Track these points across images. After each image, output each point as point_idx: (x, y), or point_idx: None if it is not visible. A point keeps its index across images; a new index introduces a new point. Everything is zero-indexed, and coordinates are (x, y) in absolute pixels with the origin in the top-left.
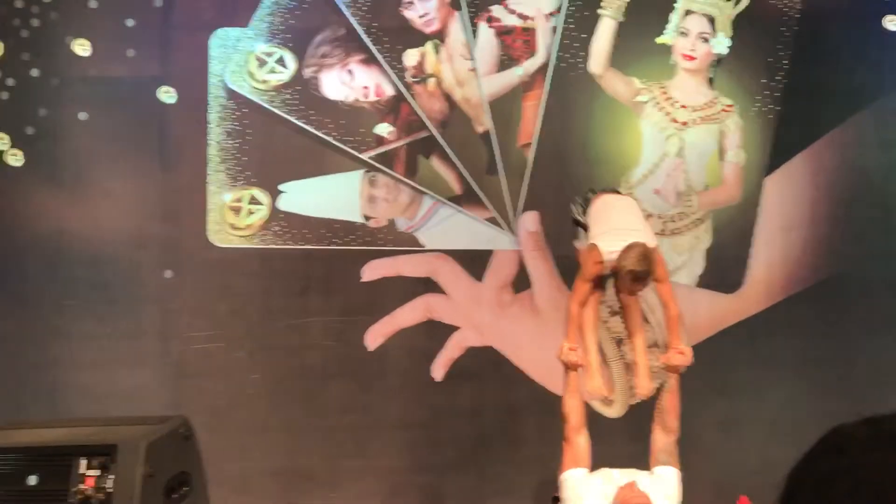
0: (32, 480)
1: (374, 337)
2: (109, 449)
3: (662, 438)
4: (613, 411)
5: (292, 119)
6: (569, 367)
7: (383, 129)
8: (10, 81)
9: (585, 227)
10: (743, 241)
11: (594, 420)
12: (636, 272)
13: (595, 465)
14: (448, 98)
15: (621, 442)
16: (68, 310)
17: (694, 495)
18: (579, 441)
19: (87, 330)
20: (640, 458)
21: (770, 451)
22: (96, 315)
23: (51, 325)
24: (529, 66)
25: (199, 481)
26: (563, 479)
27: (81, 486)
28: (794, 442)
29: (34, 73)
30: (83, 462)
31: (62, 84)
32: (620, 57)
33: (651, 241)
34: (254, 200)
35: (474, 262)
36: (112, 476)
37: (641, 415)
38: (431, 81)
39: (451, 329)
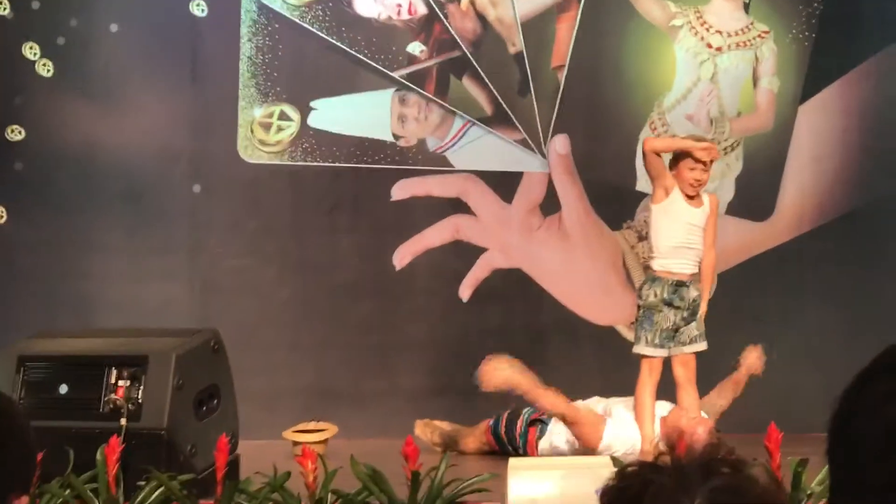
0: (63, 389)
1: (402, 256)
2: (140, 360)
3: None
4: None
5: (324, 35)
6: None
7: (415, 47)
8: None
9: None
10: (774, 169)
11: (621, 345)
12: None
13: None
14: (481, 18)
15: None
16: (97, 222)
17: (721, 420)
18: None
19: (116, 242)
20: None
21: (797, 377)
22: (126, 228)
23: (80, 236)
24: None
25: (228, 394)
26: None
27: (112, 396)
28: (821, 368)
29: None
30: (114, 372)
31: None
32: None
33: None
34: (284, 116)
35: (504, 183)
36: (142, 386)
37: None
38: (464, 1)
39: (480, 250)
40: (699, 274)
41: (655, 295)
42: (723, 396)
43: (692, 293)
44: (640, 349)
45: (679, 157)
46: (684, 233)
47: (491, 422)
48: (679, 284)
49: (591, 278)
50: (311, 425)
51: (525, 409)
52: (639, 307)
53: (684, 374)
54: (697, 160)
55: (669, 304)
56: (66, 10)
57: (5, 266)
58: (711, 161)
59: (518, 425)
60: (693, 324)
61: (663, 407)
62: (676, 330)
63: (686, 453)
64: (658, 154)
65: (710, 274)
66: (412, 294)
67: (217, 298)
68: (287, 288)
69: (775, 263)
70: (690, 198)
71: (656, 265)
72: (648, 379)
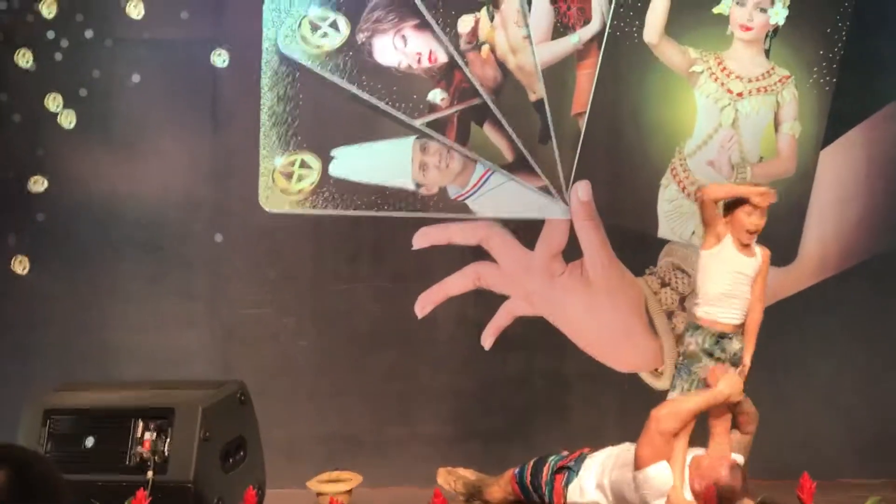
0: (90, 442)
1: (424, 304)
2: (166, 412)
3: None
4: (662, 383)
5: (344, 84)
6: None
7: (436, 95)
8: (64, 42)
9: None
10: (797, 214)
11: (643, 392)
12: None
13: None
14: (501, 65)
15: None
16: (119, 271)
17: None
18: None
19: (137, 292)
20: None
21: (820, 427)
22: (147, 277)
23: (102, 286)
24: (584, 34)
25: (254, 446)
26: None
27: (139, 449)
28: (844, 418)
29: (88, 34)
30: (140, 424)
31: (115, 46)
32: (676, 26)
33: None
34: (304, 165)
35: (525, 230)
36: (169, 439)
37: None
38: (485, 48)
39: (501, 298)
40: (743, 326)
41: (697, 344)
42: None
43: (735, 345)
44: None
45: (735, 203)
46: (733, 281)
47: (516, 470)
48: (722, 336)
49: (613, 325)
50: (335, 475)
51: (551, 457)
52: (679, 354)
53: (719, 427)
54: (755, 206)
55: (710, 354)
56: (89, 61)
57: (27, 316)
58: (767, 206)
59: (544, 473)
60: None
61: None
62: None
63: None
64: (714, 202)
65: (755, 328)
66: (434, 343)
67: (238, 347)
68: (307, 336)
69: (799, 308)
70: (744, 246)
71: (701, 312)
72: (681, 431)
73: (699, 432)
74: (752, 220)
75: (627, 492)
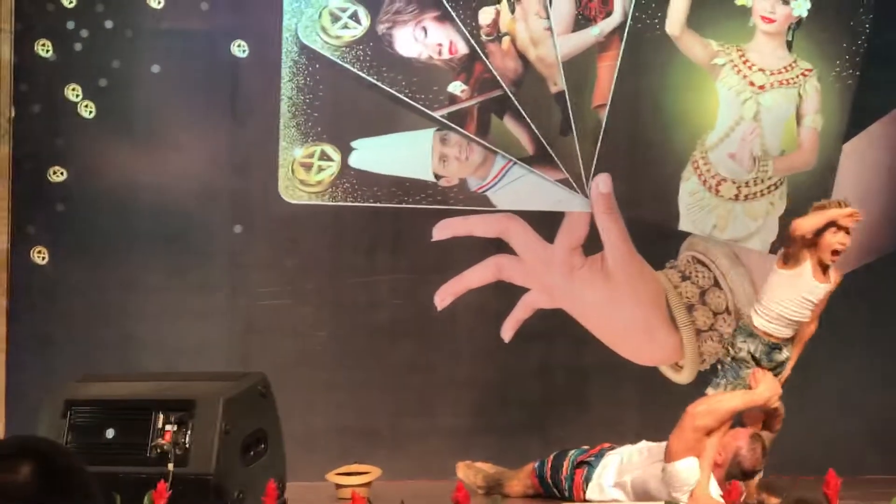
0: (110, 433)
1: (444, 296)
2: (187, 404)
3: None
4: (683, 377)
5: (364, 75)
6: None
7: (456, 87)
8: (84, 33)
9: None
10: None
11: (663, 386)
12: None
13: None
14: (522, 57)
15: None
16: (138, 262)
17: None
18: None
19: (156, 283)
20: None
21: (838, 422)
22: (166, 268)
23: (121, 277)
24: (605, 26)
25: (275, 439)
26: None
27: (159, 441)
28: (862, 413)
29: (108, 24)
30: (161, 416)
31: (135, 36)
32: (698, 18)
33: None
34: (324, 156)
35: (545, 223)
36: (189, 431)
37: (709, 381)
38: (506, 40)
39: (521, 290)
40: (794, 338)
41: (748, 351)
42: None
43: (783, 355)
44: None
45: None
46: (799, 307)
47: (536, 464)
48: (773, 346)
49: (633, 318)
50: (354, 467)
51: (572, 451)
52: (728, 354)
53: (751, 427)
54: (841, 226)
55: (758, 362)
56: (108, 51)
57: (47, 306)
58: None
59: (564, 467)
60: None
61: None
62: None
63: None
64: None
65: (805, 340)
66: (453, 335)
67: (257, 338)
68: (326, 328)
69: None
70: (823, 270)
71: (757, 321)
72: (716, 430)
73: None
74: (837, 238)
75: (653, 484)
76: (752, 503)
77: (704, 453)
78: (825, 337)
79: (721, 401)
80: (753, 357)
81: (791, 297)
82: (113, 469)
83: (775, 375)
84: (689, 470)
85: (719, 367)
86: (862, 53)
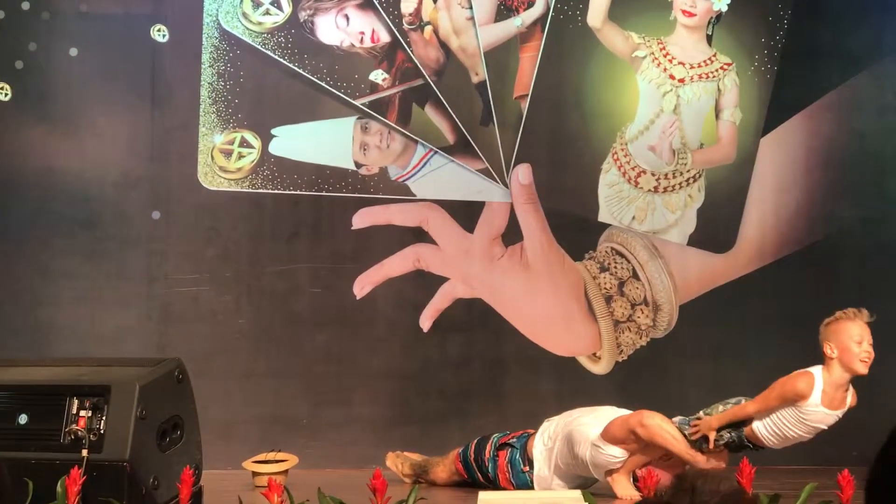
0: (23, 419)
1: (363, 285)
2: (103, 389)
3: None
4: (600, 368)
5: (286, 62)
6: None
7: (378, 75)
8: (0, 14)
9: None
10: (736, 201)
11: (581, 377)
12: None
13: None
14: (444, 46)
15: (606, 398)
16: (54, 247)
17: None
18: None
19: (72, 269)
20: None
21: None
22: (82, 254)
23: (36, 262)
24: (527, 16)
25: (192, 425)
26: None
27: (73, 427)
28: None
29: (24, 6)
30: (75, 402)
31: (53, 19)
32: (619, 11)
33: None
34: (244, 143)
35: (465, 213)
36: (104, 417)
37: (626, 371)
38: (428, 29)
39: (441, 280)
40: None
41: (730, 437)
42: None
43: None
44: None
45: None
46: (805, 433)
47: (460, 450)
48: (747, 445)
49: (552, 309)
50: (271, 455)
51: (494, 435)
52: (696, 428)
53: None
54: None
55: (727, 445)
56: (25, 34)
57: None
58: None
59: (487, 450)
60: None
61: None
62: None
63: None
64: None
65: (738, 414)
66: (372, 324)
67: (174, 326)
68: (244, 316)
69: (736, 295)
70: (842, 393)
71: (757, 429)
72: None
73: None
74: (863, 347)
75: (580, 442)
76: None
77: (632, 461)
78: (743, 327)
79: (668, 433)
80: (725, 444)
81: (801, 428)
82: (25, 455)
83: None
84: (611, 456)
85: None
86: (780, 49)
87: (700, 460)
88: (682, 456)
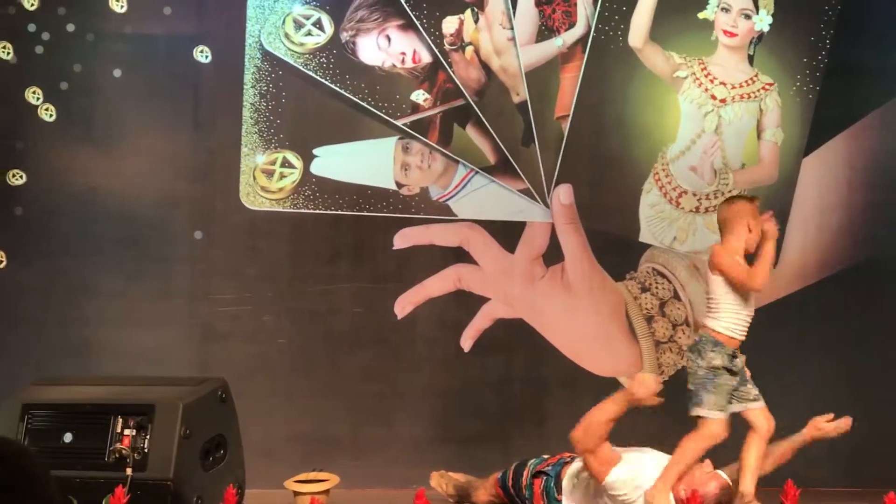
0: (68, 437)
1: (403, 305)
2: (147, 408)
3: None
4: None
5: (327, 83)
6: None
7: (419, 96)
8: (45, 35)
9: None
10: (779, 221)
11: None
12: None
13: (619, 441)
14: (485, 67)
15: (643, 420)
16: (98, 267)
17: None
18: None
19: (115, 288)
20: (661, 436)
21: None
22: (125, 273)
23: (80, 282)
24: (568, 37)
25: (234, 444)
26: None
27: (118, 445)
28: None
29: (69, 27)
30: (120, 421)
31: (97, 40)
32: (660, 31)
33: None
34: (286, 163)
35: (506, 233)
36: (148, 436)
37: (667, 392)
38: (469, 49)
39: (481, 300)
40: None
41: (721, 359)
42: (768, 462)
43: (740, 362)
44: (702, 411)
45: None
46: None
47: (499, 474)
48: (733, 355)
49: (593, 329)
50: (312, 475)
51: (531, 461)
52: (694, 369)
53: (768, 427)
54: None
55: (728, 370)
56: (70, 55)
57: (5, 311)
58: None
59: (524, 476)
60: (749, 384)
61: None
62: (732, 393)
63: None
64: None
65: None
66: (413, 343)
67: (216, 345)
68: (286, 335)
69: (778, 315)
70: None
71: (719, 327)
72: (708, 441)
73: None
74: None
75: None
76: None
77: (666, 470)
78: (784, 348)
79: (594, 415)
80: (724, 367)
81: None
82: (70, 473)
83: (743, 379)
84: (619, 478)
85: (691, 388)
86: (822, 68)
87: (634, 396)
88: (622, 406)
